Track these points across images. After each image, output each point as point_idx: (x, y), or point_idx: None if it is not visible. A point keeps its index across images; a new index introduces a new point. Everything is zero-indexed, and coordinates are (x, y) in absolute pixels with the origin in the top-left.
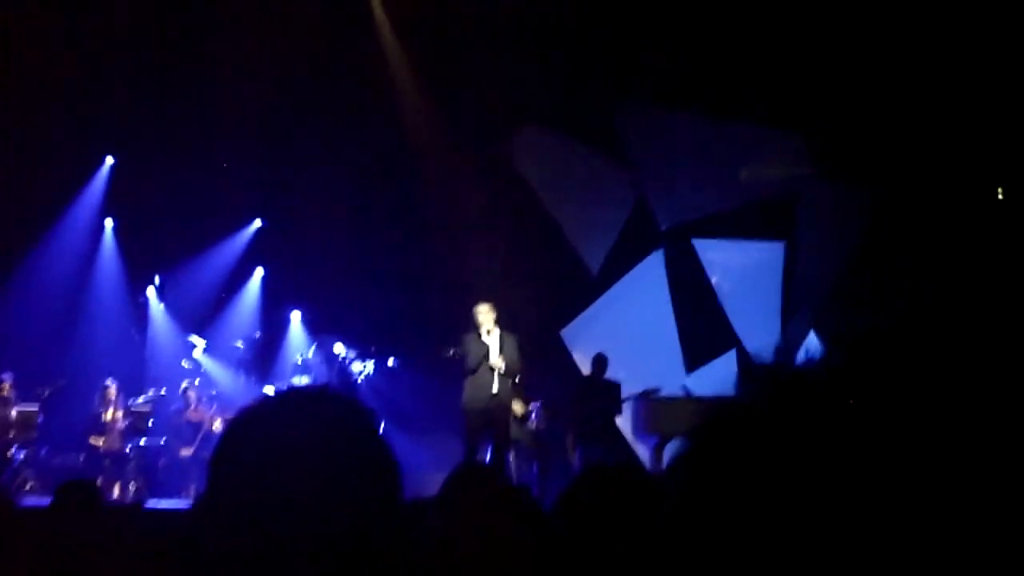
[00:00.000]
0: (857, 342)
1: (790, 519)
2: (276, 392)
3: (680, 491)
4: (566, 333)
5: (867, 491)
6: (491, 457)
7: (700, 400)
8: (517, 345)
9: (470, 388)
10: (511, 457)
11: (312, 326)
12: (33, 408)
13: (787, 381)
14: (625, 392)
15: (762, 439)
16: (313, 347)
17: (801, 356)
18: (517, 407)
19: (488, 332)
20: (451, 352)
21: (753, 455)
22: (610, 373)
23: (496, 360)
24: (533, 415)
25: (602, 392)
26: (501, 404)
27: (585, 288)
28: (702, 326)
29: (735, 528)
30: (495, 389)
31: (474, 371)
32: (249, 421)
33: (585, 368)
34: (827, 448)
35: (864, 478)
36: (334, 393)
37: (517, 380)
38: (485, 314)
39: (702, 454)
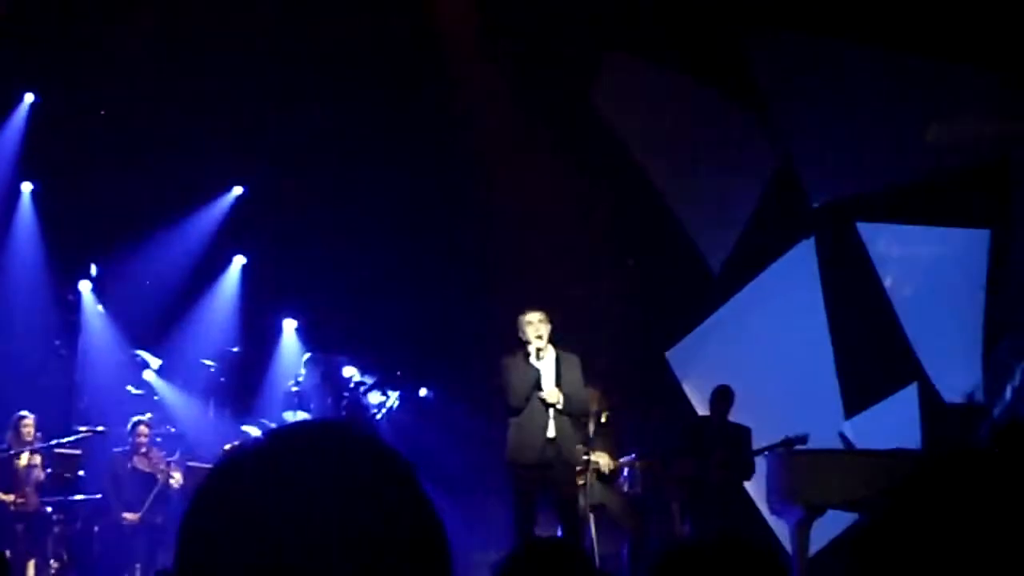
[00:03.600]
0: None
1: None
2: (267, 433)
3: None
4: (674, 356)
5: None
6: (562, 532)
7: (869, 456)
8: (580, 370)
9: (516, 432)
10: (592, 532)
11: (313, 340)
12: None
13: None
14: (757, 442)
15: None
16: (305, 360)
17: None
18: (602, 460)
19: (539, 352)
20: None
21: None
22: (735, 414)
23: (550, 392)
24: (625, 472)
25: (723, 441)
26: (562, 454)
27: (701, 293)
28: (869, 349)
29: None
30: (551, 432)
31: (519, 408)
32: (232, 475)
33: (700, 406)
34: None
35: None
36: (355, 433)
37: (604, 419)
38: (535, 326)
39: (908, 536)
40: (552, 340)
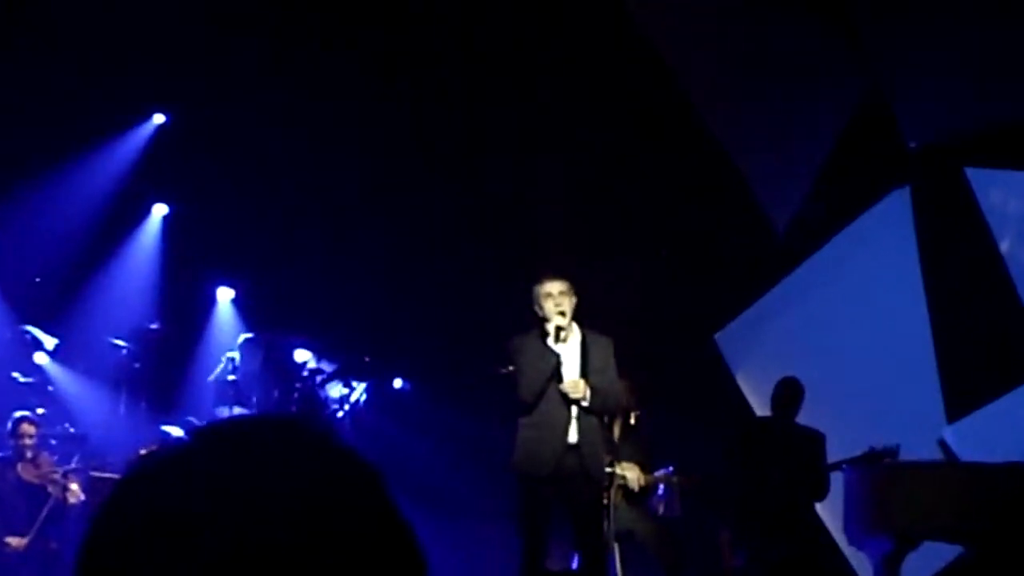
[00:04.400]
0: None
1: None
2: (193, 432)
3: None
4: (725, 339)
5: None
6: (580, 563)
7: (978, 471)
8: (613, 357)
9: (527, 436)
10: (616, 565)
11: (255, 315)
12: None
13: None
14: (832, 452)
15: None
16: (245, 341)
17: None
18: (630, 474)
19: (560, 333)
20: (507, 369)
21: None
22: (805, 415)
23: (574, 383)
24: (660, 490)
25: (789, 450)
26: (586, 464)
27: (762, 258)
28: (979, 332)
29: None
30: (573, 436)
31: (532, 404)
32: (148, 487)
33: (759, 404)
34: None
35: None
36: (308, 432)
37: (633, 420)
38: (556, 299)
39: None
40: (578, 318)
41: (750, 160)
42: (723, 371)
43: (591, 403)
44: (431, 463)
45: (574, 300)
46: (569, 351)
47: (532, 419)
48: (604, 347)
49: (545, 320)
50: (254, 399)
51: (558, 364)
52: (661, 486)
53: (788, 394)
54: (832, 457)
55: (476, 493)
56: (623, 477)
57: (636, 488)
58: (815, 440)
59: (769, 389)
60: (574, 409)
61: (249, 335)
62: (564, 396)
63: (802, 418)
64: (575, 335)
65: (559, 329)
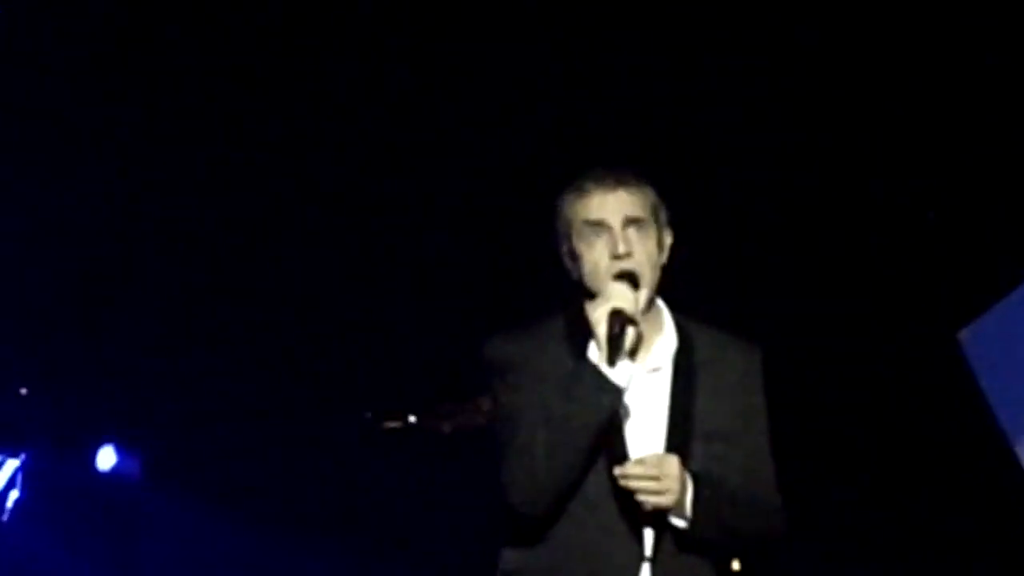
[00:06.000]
0: None
1: None
2: None
3: None
4: (977, 339)
5: None
6: None
7: None
8: (761, 396)
9: (527, 564)
10: None
11: None
12: None
13: None
14: None
15: None
16: None
17: None
18: None
19: (626, 331)
20: (448, 419)
21: None
22: None
23: (655, 468)
24: None
25: None
26: None
27: None
28: None
29: None
30: None
31: (543, 514)
32: None
33: None
34: None
35: None
36: None
37: (737, 566)
38: (615, 235)
39: None
40: (666, 289)
41: None
42: (975, 408)
43: (696, 524)
44: None
45: (667, 242)
46: (647, 380)
47: (540, 557)
48: (737, 372)
49: (585, 294)
50: None
51: (615, 414)
52: None
53: None
54: None
55: None
56: None
57: None
58: None
59: None
60: (649, 535)
61: None
62: (627, 498)
63: None
64: (666, 337)
65: (623, 321)
